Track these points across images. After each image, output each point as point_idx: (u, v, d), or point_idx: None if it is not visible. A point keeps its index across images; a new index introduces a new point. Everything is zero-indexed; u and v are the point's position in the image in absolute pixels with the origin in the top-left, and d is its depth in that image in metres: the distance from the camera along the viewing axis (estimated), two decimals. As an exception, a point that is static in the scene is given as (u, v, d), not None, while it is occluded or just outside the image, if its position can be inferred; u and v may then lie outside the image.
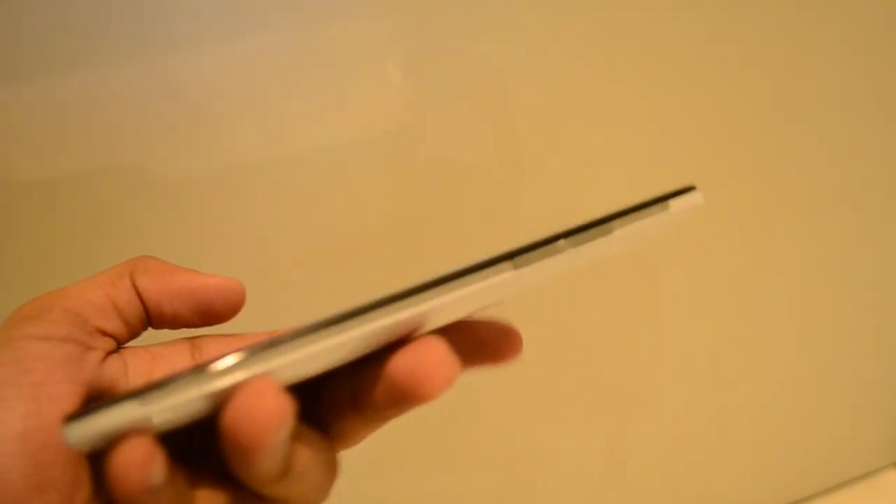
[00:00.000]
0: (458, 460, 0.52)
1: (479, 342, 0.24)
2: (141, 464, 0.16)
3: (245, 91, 0.37)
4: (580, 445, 0.57)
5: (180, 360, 0.23)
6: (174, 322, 0.23)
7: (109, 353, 0.22)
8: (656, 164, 0.50)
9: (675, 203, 0.23)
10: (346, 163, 0.41)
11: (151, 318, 0.23)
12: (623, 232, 0.21)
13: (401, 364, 0.19)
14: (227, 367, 0.17)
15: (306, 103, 0.39)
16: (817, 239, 0.59)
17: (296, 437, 0.19)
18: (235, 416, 0.16)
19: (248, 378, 0.17)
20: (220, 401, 0.17)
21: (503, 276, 0.20)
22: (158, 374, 0.22)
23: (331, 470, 0.21)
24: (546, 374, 0.53)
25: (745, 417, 0.63)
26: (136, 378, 0.22)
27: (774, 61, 0.51)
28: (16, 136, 0.34)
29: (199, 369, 0.17)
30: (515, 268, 0.20)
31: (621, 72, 0.46)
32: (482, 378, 0.51)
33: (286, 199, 0.40)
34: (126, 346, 0.23)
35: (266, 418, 0.16)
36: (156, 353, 0.23)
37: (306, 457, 0.20)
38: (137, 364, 0.22)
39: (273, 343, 0.17)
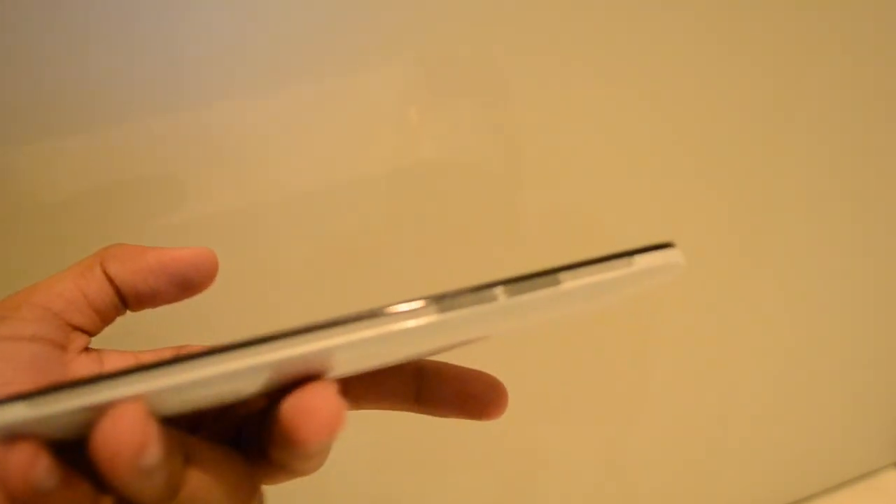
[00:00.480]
0: (458, 460, 0.52)
1: (465, 394, 0.23)
2: (23, 467, 0.16)
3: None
4: (580, 445, 0.57)
5: None
6: (153, 299, 0.23)
7: (86, 350, 0.22)
8: (657, 165, 0.50)
9: (641, 259, 0.20)
10: (345, 162, 0.41)
11: (129, 300, 0.23)
12: (576, 286, 0.19)
13: (284, 407, 0.18)
14: (101, 385, 0.16)
15: (311, 108, 0.39)
16: (817, 239, 0.59)
17: (190, 460, 0.19)
18: (96, 438, 0.16)
19: (118, 398, 0.16)
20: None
21: (427, 321, 0.18)
22: None
23: (241, 496, 0.20)
24: (546, 374, 0.53)
25: (744, 417, 0.63)
26: None
27: (775, 60, 0.51)
28: (60, 188, 0.34)
29: (84, 381, 0.16)
30: (441, 311, 0.18)
31: (622, 72, 0.46)
32: (482, 378, 0.51)
33: (286, 199, 0.40)
34: (109, 348, 0.23)
35: (124, 442, 0.16)
36: (140, 357, 0.23)
37: (202, 482, 0.19)
38: (115, 364, 0.22)
39: (150, 367, 0.17)
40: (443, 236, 0.45)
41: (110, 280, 0.23)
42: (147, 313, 0.24)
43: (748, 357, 0.61)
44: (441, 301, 0.18)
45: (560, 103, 0.45)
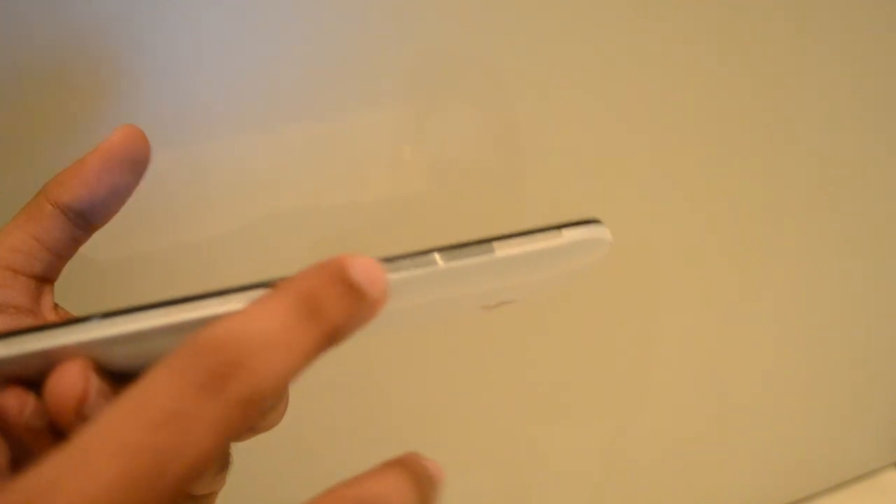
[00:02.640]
0: (457, 460, 0.52)
1: None
2: (17, 407, 0.18)
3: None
4: (580, 445, 0.57)
5: None
6: (112, 201, 0.23)
7: (55, 308, 0.22)
8: (657, 165, 0.50)
9: (569, 233, 0.21)
10: (345, 162, 0.41)
11: (88, 216, 0.23)
12: (508, 255, 0.20)
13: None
14: (45, 335, 0.18)
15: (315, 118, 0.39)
16: (817, 239, 0.59)
17: None
18: (45, 389, 0.18)
19: (63, 346, 0.18)
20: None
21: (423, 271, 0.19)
22: None
23: None
24: (546, 374, 0.53)
25: (744, 417, 0.63)
26: None
27: (775, 62, 0.51)
28: None
29: (37, 328, 0.18)
30: (391, 272, 0.19)
31: (622, 72, 0.46)
32: (482, 378, 0.51)
33: (287, 199, 0.40)
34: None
35: (66, 394, 0.17)
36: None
37: None
38: None
39: (89, 318, 0.18)
40: (443, 237, 0.45)
41: (63, 209, 0.22)
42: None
43: (748, 357, 0.61)
44: (391, 261, 0.19)
45: (561, 103, 0.45)
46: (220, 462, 0.19)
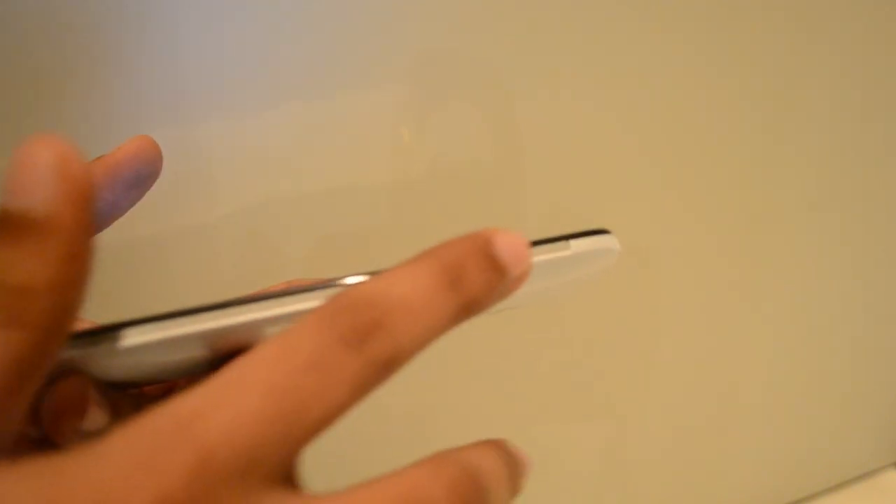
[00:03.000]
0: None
1: None
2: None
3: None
4: (580, 445, 0.57)
5: None
6: (111, 212, 0.23)
7: None
8: (657, 165, 0.50)
9: (576, 243, 0.21)
10: (345, 162, 0.41)
11: (100, 220, 0.23)
12: None
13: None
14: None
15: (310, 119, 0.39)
16: (817, 239, 0.59)
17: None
18: (42, 405, 0.18)
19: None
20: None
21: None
22: None
23: None
24: (546, 373, 0.53)
25: (744, 417, 0.63)
26: None
27: (775, 62, 0.51)
28: None
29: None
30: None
31: (622, 72, 0.46)
32: (482, 378, 0.51)
33: (287, 198, 0.40)
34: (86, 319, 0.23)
35: (65, 409, 0.18)
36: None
37: None
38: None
39: (86, 333, 0.18)
40: (443, 236, 0.45)
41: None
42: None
43: (748, 357, 0.61)
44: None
45: (561, 103, 0.45)
46: None
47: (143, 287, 0.38)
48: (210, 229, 0.39)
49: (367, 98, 0.40)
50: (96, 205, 0.22)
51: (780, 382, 0.63)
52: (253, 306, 0.18)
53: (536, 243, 0.20)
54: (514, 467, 0.19)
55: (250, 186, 0.39)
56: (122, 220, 0.36)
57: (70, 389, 0.18)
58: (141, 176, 0.23)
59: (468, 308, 0.18)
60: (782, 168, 0.54)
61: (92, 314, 0.24)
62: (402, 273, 0.17)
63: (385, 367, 0.16)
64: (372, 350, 0.16)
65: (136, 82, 0.35)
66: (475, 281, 0.18)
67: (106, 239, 0.36)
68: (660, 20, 0.46)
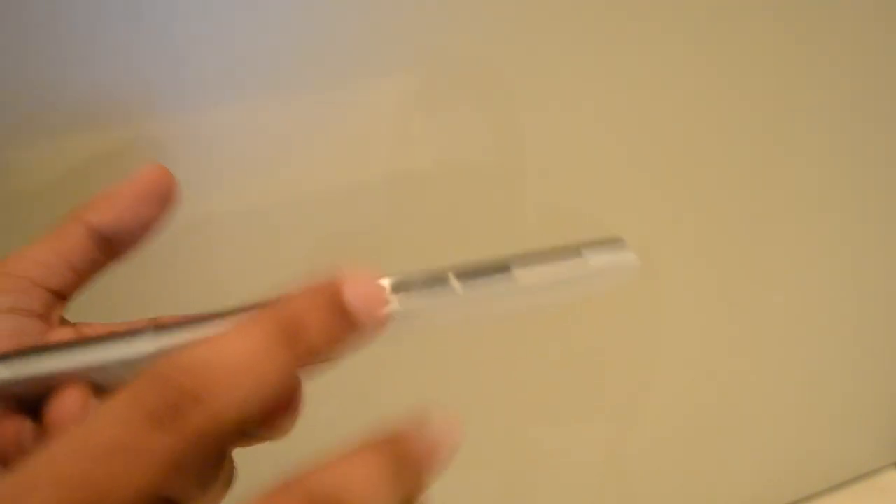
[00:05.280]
0: (457, 460, 0.52)
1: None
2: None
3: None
4: (580, 445, 0.57)
5: None
6: (141, 228, 0.24)
7: (62, 321, 0.23)
8: (657, 165, 0.50)
9: (595, 259, 0.20)
10: (346, 162, 0.41)
11: (117, 240, 0.23)
12: (529, 276, 0.19)
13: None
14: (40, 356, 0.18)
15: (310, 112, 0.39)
16: (816, 240, 0.59)
17: None
18: (47, 415, 0.18)
19: (62, 371, 0.18)
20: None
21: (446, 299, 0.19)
22: None
23: None
24: (546, 374, 0.53)
25: (744, 417, 0.63)
26: None
27: (776, 62, 0.51)
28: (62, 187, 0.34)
29: (32, 349, 0.19)
30: (397, 296, 0.19)
31: (622, 72, 0.46)
32: (482, 378, 0.51)
33: (286, 196, 0.40)
34: (87, 322, 0.23)
35: (66, 420, 0.18)
36: (112, 329, 0.23)
37: None
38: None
39: (87, 343, 0.19)
40: (443, 236, 0.45)
41: (89, 230, 0.23)
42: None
43: (748, 357, 0.61)
44: (400, 291, 0.19)
45: (561, 103, 0.45)
46: (221, 478, 0.19)
47: (143, 283, 0.38)
48: (209, 224, 0.39)
49: (367, 97, 0.40)
50: (128, 219, 0.23)
51: (780, 383, 0.63)
52: (76, 352, 0.18)
53: (552, 257, 0.20)
54: (405, 477, 0.17)
55: (249, 185, 0.39)
56: None
57: (71, 399, 0.18)
58: (162, 195, 0.24)
59: (307, 360, 0.17)
60: (783, 169, 0.54)
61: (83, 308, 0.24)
62: (231, 335, 0.16)
63: (205, 439, 0.15)
64: (186, 425, 0.15)
65: (133, 68, 0.35)
66: (317, 335, 0.17)
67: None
68: (661, 20, 0.46)
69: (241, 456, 0.23)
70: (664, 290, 0.54)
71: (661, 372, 0.57)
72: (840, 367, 0.65)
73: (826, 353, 0.64)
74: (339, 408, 0.45)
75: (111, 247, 0.23)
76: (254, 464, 0.22)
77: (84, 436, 0.14)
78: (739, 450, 0.64)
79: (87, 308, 0.24)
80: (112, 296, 0.28)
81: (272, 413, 0.20)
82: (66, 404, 0.18)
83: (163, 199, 0.23)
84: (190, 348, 0.16)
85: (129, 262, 0.34)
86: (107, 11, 0.33)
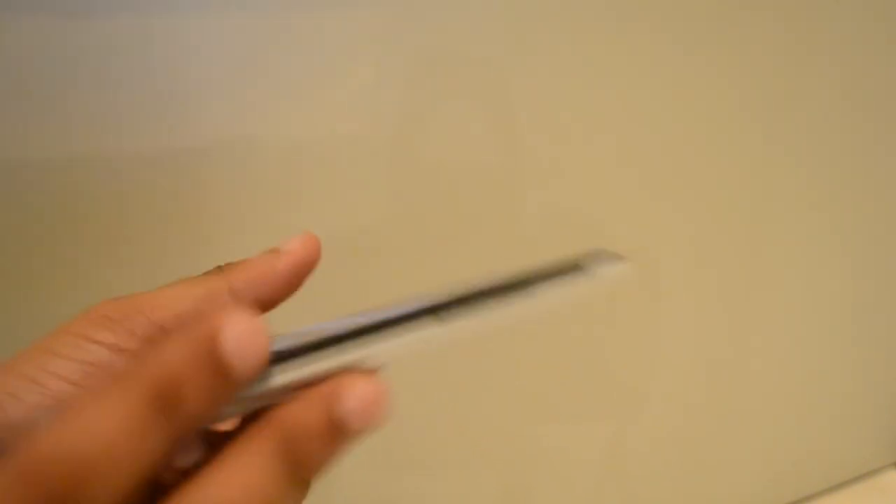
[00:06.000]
0: (457, 460, 0.52)
1: None
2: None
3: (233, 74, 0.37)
4: (580, 445, 0.57)
5: None
6: (274, 303, 0.23)
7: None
8: (657, 164, 0.50)
9: (595, 274, 0.20)
10: (345, 162, 0.41)
11: (256, 307, 0.23)
12: (545, 294, 0.19)
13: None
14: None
15: (299, 97, 0.39)
16: (816, 239, 0.59)
17: None
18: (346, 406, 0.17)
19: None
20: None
21: (428, 333, 0.18)
22: None
23: None
24: (546, 373, 0.53)
25: (745, 417, 0.63)
26: None
27: (774, 60, 0.51)
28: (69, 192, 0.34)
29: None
30: (441, 322, 0.18)
31: (622, 72, 0.46)
32: (482, 378, 0.51)
33: (286, 199, 0.40)
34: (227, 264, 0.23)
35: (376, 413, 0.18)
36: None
37: None
38: None
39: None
40: (443, 236, 0.45)
41: (234, 293, 0.22)
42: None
43: (748, 357, 0.61)
44: (440, 311, 0.18)
45: (561, 103, 0.45)
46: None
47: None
48: (212, 216, 0.39)
49: (367, 96, 0.40)
50: (277, 298, 0.22)
51: (781, 383, 0.63)
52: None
53: (546, 273, 0.19)
54: (297, 475, 0.16)
55: (249, 184, 0.39)
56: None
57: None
58: (310, 270, 0.23)
59: (189, 428, 0.15)
60: (782, 169, 0.54)
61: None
62: (101, 408, 0.14)
63: None
64: None
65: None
66: (195, 397, 0.15)
67: (87, 149, 0.36)
68: (661, 21, 0.46)
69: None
70: (664, 290, 0.54)
71: (660, 371, 0.57)
72: (840, 367, 0.65)
73: (826, 353, 0.64)
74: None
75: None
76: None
77: None
78: (739, 450, 0.64)
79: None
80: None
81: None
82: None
83: (312, 268, 0.23)
84: (55, 433, 0.14)
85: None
86: None
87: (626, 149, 0.48)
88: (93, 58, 0.34)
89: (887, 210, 0.60)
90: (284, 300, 0.23)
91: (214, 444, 0.17)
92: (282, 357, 0.17)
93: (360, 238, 0.43)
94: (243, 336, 0.15)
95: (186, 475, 0.16)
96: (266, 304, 0.23)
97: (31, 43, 0.33)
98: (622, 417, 0.58)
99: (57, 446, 0.13)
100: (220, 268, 0.23)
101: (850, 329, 0.64)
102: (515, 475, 0.56)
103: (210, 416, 0.15)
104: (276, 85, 0.38)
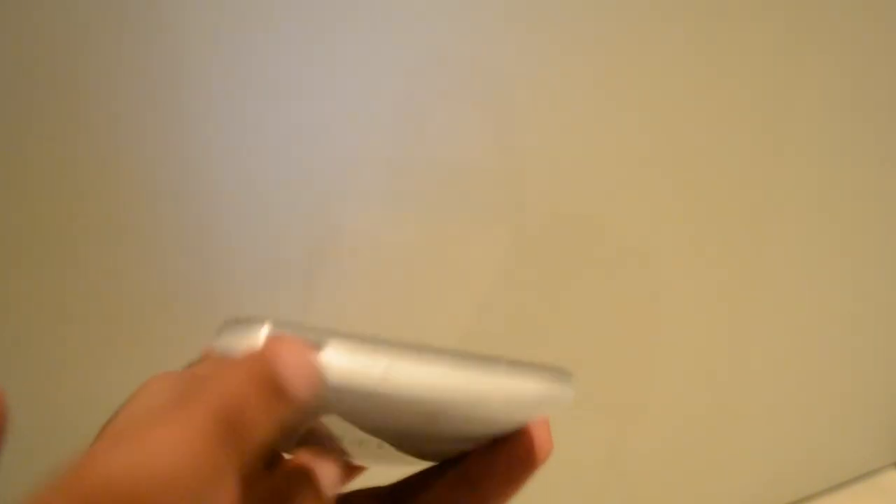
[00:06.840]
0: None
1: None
2: None
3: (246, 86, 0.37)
4: (580, 445, 0.57)
5: None
6: None
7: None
8: (656, 164, 0.50)
9: (534, 388, 0.21)
10: (345, 163, 0.41)
11: None
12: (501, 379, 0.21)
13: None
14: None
15: (303, 101, 0.39)
16: (817, 240, 0.59)
17: None
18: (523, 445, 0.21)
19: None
20: None
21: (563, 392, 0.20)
22: None
23: None
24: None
25: (745, 418, 0.63)
26: None
27: (774, 64, 0.51)
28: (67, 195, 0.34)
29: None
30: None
31: (621, 72, 0.46)
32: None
33: (285, 199, 0.40)
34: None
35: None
36: None
37: None
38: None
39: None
40: (443, 236, 0.45)
41: None
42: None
43: (749, 358, 0.61)
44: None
45: (560, 103, 0.45)
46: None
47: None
48: (216, 217, 0.39)
49: (367, 97, 0.40)
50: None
51: (781, 383, 0.63)
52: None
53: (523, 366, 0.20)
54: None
55: (249, 183, 0.39)
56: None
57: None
58: None
59: (250, 453, 0.15)
60: (782, 169, 0.54)
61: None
62: (169, 437, 0.14)
63: None
64: None
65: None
66: (258, 421, 0.15)
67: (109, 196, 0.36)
68: (661, 21, 0.46)
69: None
70: (664, 290, 0.54)
71: (661, 372, 0.57)
72: (840, 367, 0.65)
73: (826, 354, 0.64)
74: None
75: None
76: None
77: None
78: (739, 450, 0.64)
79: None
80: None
81: None
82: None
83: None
84: (121, 453, 0.14)
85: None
86: None
87: (627, 149, 0.48)
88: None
89: (887, 211, 0.60)
90: None
91: None
92: None
93: (360, 238, 0.43)
94: (295, 361, 0.15)
95: None
96: None
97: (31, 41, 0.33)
98: (622, 418, 0.58)
99: (130, 479, 0.13)
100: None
101: (850, 330, 0.64)
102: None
103: (270, 436, 0.15)
104: (274, 85, 0.38)
